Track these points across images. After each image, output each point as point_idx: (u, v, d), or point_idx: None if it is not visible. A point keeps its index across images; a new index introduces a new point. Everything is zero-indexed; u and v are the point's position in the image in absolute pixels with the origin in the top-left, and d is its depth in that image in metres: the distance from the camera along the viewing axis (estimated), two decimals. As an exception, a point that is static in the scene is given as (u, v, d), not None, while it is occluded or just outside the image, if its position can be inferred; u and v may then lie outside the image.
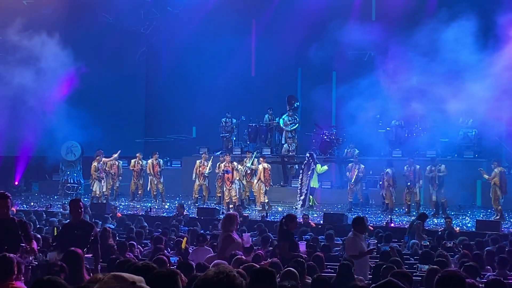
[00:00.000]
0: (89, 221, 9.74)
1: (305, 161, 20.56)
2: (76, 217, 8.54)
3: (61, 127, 22.40)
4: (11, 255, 5.91)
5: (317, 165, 20.48)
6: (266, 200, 19.96)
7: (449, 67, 19.95)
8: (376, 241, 12.28)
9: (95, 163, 21.22)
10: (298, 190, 20.44)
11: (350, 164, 20.21)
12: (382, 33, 21.04)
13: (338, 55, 22.81)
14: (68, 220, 9.96)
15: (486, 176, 17.88)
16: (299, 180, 20.55)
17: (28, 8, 22.52)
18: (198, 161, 21.02)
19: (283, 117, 22.65)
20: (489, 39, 19.73)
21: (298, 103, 23.45)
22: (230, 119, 23.41)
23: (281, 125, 22.65)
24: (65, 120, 22.25)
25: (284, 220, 9.81)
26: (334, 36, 21.40)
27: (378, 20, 23.35)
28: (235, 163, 20.30)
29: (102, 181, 21.19)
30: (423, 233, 13.99)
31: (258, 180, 20.07)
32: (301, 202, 20.18)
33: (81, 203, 8.69)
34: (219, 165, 20.42)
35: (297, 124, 22.69)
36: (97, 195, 21.01)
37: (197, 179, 20.88)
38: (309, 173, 20.27)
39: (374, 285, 5.10)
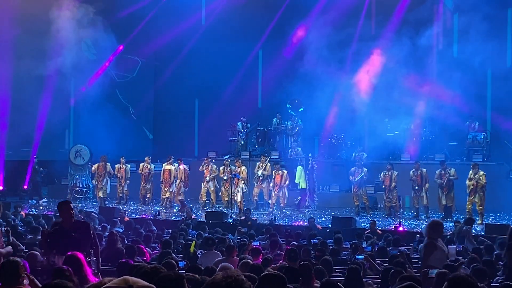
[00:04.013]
0: (83, 220, 9.44)
1: (307, 162, 20.60)
2: (68, 220, 8.20)
3: (69, 130, 22.50)
4: (18, 259, 5.91)
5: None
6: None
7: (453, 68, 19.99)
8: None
9: (171, 167, 20.97)
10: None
11: (352, 168, 20.01)
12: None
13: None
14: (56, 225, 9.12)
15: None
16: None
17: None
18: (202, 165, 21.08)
19: (288, 123, 22.72)
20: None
21: (302, 108, 23.38)
22: (245, 124, 23.44)
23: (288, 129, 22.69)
24: (72, 124, 22.36)
25: None
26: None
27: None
28: (243, 167, 20.27)
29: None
30: (472, 239, 13.85)
31: (274, 185, 20.00)
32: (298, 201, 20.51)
33: (71, 205, 8.37)
34: (223, 169, 20.42)
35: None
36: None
37: (203, 182, 20.88)
38: (314, 175, 20.39)
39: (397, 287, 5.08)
